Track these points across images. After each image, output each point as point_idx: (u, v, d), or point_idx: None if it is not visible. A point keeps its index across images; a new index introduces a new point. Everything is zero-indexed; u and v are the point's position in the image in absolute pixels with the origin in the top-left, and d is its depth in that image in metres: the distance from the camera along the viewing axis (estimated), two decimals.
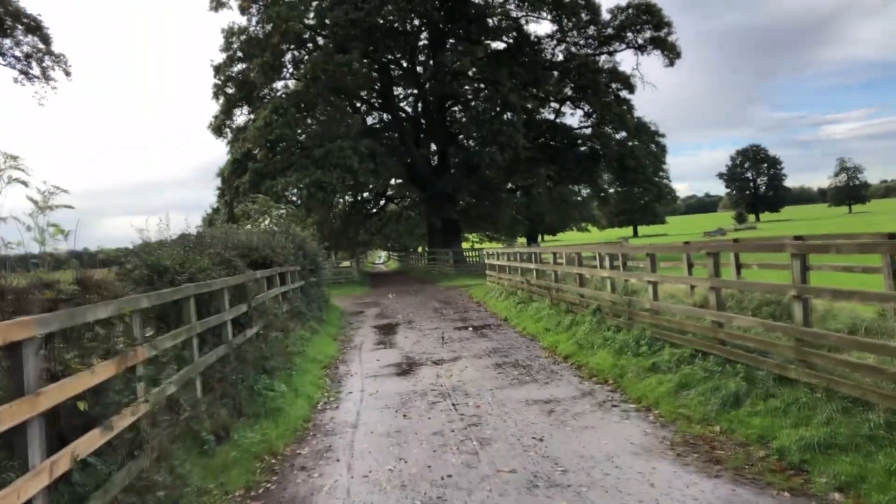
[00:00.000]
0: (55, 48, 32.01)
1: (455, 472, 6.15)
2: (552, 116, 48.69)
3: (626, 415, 7.79)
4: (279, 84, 42.21)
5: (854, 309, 9.07)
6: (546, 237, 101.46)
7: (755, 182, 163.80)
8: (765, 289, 8.92)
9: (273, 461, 6.89)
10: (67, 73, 32.02)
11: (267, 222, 19.86)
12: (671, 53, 44.20)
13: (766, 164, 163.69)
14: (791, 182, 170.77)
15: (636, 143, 46.24)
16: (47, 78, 31.89)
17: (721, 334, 8.39)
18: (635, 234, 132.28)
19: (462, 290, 27.25)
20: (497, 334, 14.88)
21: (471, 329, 15.96)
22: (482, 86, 43.76)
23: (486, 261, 25.33)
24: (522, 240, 74.56)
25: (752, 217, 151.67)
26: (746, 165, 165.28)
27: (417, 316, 19.62)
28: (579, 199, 61.70)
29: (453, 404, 8.78)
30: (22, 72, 31.29)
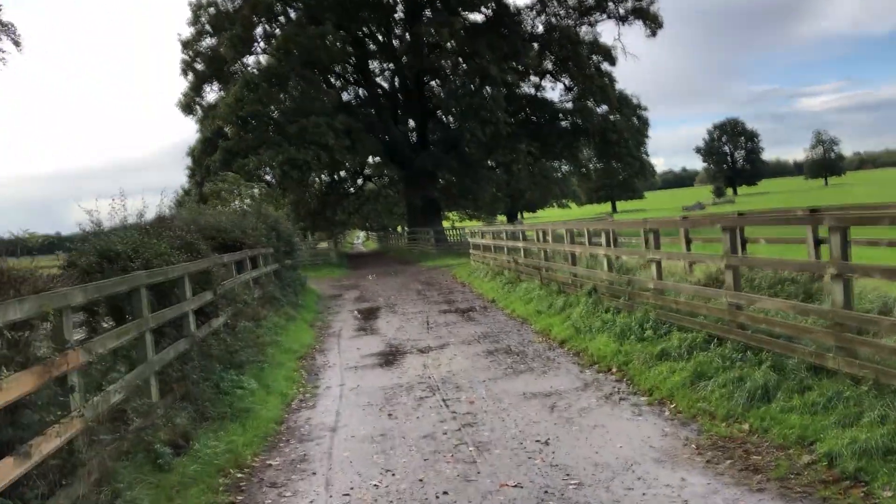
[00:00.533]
0: (3, 16, 30.02)
1: (452, 488, 5.27)
2: (532, 91, 47.57)
3: (637, 410, 6.96)
4: (251, 60, 40.72)
5: (878, 287, 8.30)
6: (526, 214, 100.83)
7: (732, 156, 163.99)
8: (795, 267, 8.10)
9: (239, 475, 5.95)
10: (17, 44, 30.14)
11: (237, 202, 18.76)
12: (653, 24, 43.17)
13: (743, 138, 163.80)
14: (767, 155, 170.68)
15: (618, 116, 45.33)
16: None
17: (741, 317, 7.56)
18: (614, 209, 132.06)
19: (445, 271, 26.35)
20: (485, 318, 14.02)
21: (457, 312, 15.08)
22: (461, 60, 42.59)
23: (470, 240, 24.45)
24: (502, 217, 73.77)
25: (729, 191, 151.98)
26: (724, 139, 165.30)
27: (400, 299, 18.69)
28: (559, 175, 60.91)
29: (444, 400, 7.90)
30: None
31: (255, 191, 20.45)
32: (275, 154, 32.41)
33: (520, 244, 17.18)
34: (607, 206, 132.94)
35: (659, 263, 9.74)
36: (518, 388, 8.14)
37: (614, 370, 8.56)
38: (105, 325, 7.53)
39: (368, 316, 15.86)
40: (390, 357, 10.80)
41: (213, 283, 9.48)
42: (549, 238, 15.39)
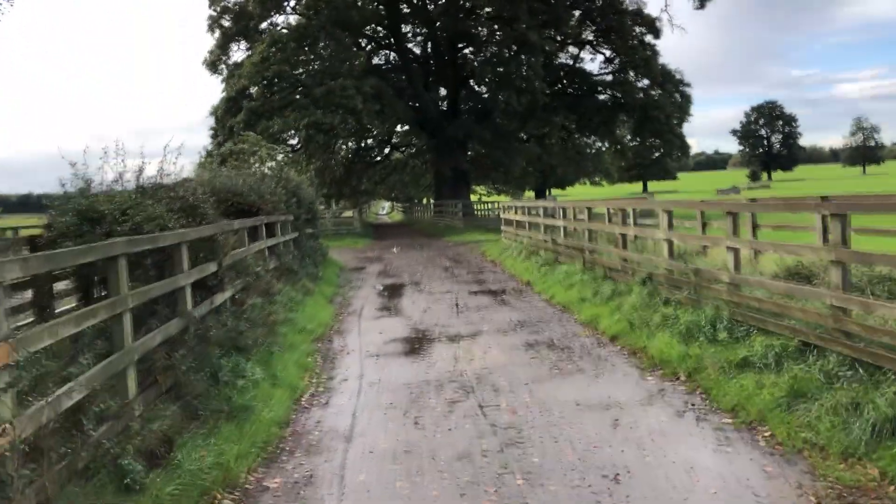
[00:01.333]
0: None
1: None
2: (570, 61, 45.75)
3: (723, 435, 5.62)
4: (280, 19, 39.33)
5: None
6: (555, 191, 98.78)
7: (769, 140, 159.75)
8: None
9: (227, 502, 4.73)
10: None
11: (258, 165, 17.51)
12: None
13: (781, 122, 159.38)
14: (802, 141, 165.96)
15: (660, 92, 43.39)
16: None
17: (849, 325, 6.16)
18: (645, 189, 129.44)
19: (473, 247, 25.01)
20: (521, 302, 12.69)
21: (489, 294, 13.77)
22: (496, 27, 40.79)
23: (502, 215, 23.05)
24: (530, 193, 72.06)
25: (764, 175, 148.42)
26: (761, 122, 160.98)
27: (426, 275, 17.42)
28: (592, 151, 58.93)
29: (480, 406, 6.62)
30: None
31: (279, 155, 19.10)
32: (300, 116, 31.12)
33: (559, 222, 15.77)
34: (638, 186, 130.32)
35: (737, 252, 8.32)
36: (568, 396, 6.83)
37: (683, 377, 7.21)
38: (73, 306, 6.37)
39: (392, 293, 14.62)
40: (416, 344, 9.53)
41: (218, 253, 8.23)
42: (593, 217, 13.97)
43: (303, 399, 7.18)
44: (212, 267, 8.02)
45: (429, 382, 7.54)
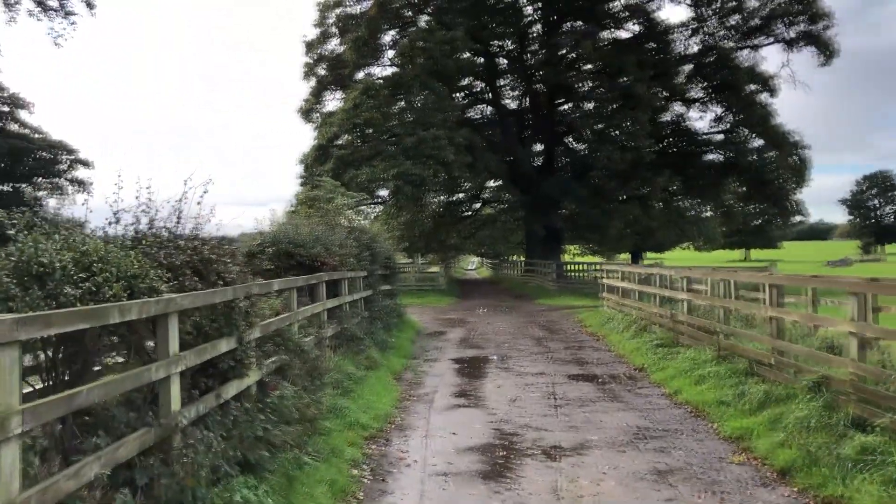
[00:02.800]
0: None
1: None
2: (676, 119, 42.85)
3: None
4: (376, 70, 38.47)
5: None
6: (650, 254, 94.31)
7: (879, 211, 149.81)
8: None
9: None
10: (90, 6, 28.52)
11: (332, 213, 15.57)
12: (826, 50, 37.74)
13: (894, 193, 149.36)
14: None
15: (776, 153, 39.83)
16: (67, 12, 28.63)
17: None
18: (747, 257, 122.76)
19: (568, 314, 22.29)
20: (636, 397, 9.96)
21: (593, 382, 11.09)
22: (597, 83, 38.55)
23: (604, 280, 20.32)
24: (625, 256, 68.50)
25: (878, 248, 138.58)
26: (873, 192, 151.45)
27: (514, 348, 14.88)
28: (693, 213, 55.05)
29: None
30: (37, 2, 28.10)
31: (354, 201, 17.18)
32: (389, 166, 29.54)
33: (681, 295, 12.99)
34: (737, 254, 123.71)
35: None
36: None
37: None
38: None
39: (473, 371, 12.14)
40: (500, 459, 7.00)
41: (237, 324, 6.05)
42: (730, 292, 11.18)
43: None
44: (225, 344, 5.83)
45: None
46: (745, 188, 42.97)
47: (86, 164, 72.11)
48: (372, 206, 44.75)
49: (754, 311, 10.17)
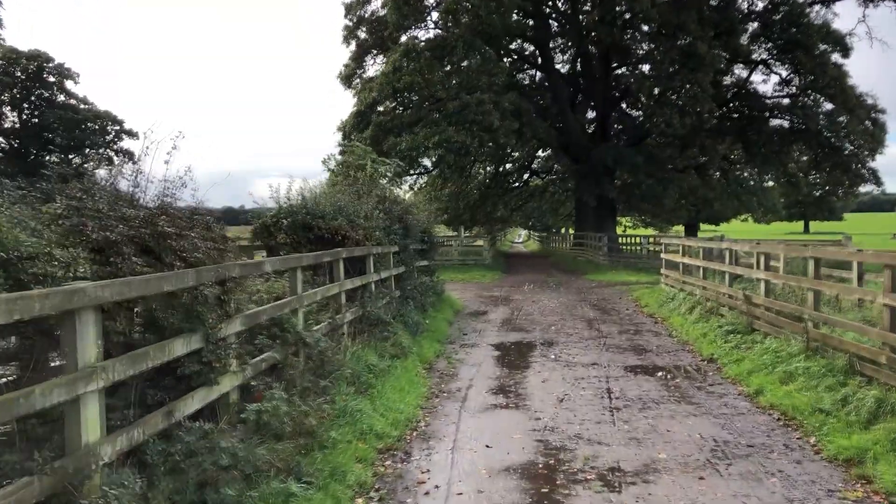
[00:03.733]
0: None
1: None
2: (738, 82, 40.07)
3: None
4: (420, 34, 36.68)
5: None
6: (705, 227, 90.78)
7: None
8: None
9: None
10: None
11: (362, 181, 14.16)
12: None
13: None
14: None
15: (848, 118, 36.90)
16: None
17: None
18: (806, 229, 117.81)
19: (622, 291, 20.58)
20: (709, 397, 8.35)
21: (655, 375, 9.50)
22: (655, 45, 36.06)
23: (664, 255, 18.50)
24: (679, 228, 65.82)
25: None
26: None
27: (563, 331, 13.33)
28: (753, 183, 51.94)
29: None
30: None
31: (390, 169, 15.68)
32: (430, 133, 27.96)
33: (757, 274, 11.22)
34: (796, 226, 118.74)
35: None
36: None
37: None
38: None
39: (515, 360, 10.66)
40: (545, 488, 5.53)
41: (201, 318, 4.68)
42: (809, 270, 9.41)
43: None
44: (182, 345, 4.47)
45: None
46: (812, 155, 40.09)
47: (132, 134, 72.42)
48: (414, 176, 43.44)
49: (857, 295, 8.41)
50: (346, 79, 37.11)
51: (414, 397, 8.09)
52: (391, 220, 12.72)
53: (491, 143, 29.12)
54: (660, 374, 9.60)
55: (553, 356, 10.85)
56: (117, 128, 70.94)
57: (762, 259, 10.96)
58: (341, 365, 7.37)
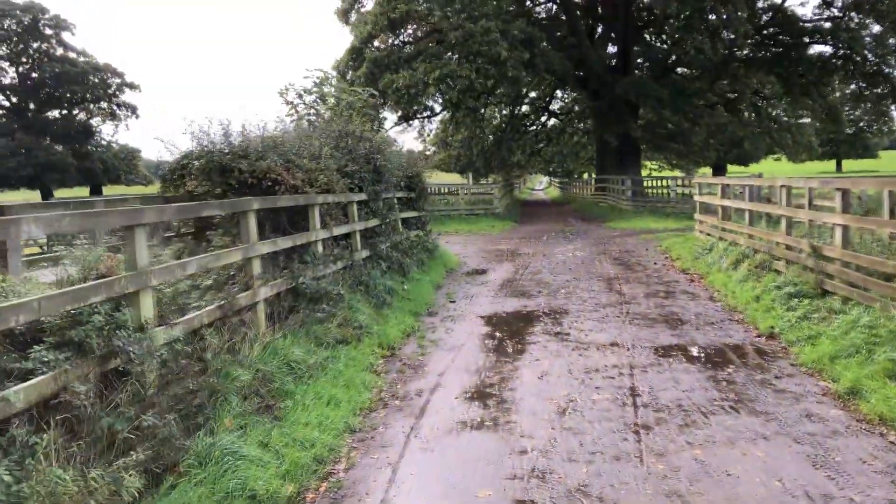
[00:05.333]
0: None
1: None
2: (774, 5, 36.24)
3: None
4: None
5: None
6: (733, 167, 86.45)
7: None
8: None
9: None
10: None
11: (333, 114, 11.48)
12: None
13: None
14: None
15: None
16: None
17: None
18: (839, 168, 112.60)
19: (648, 241, 17.79)
20: (781, 400, 5.69)
21: (699, 364, 6.85)
22: None
23: (697, 197, 15.67)
24: (706, 170, 62.15)
25: None
26: None
27: (575, 295, 10.69)
28: (786, 119, 47.95)
29: None
30: None
31: (358, 97, 12.89)
32: (431, 68, 24.95)
33: (831, 218, 8.42)
34: (828, 165, 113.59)
35: None
36: None
37: None
38: None
39: (508, 341, 8.06)
40: None
41: None
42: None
43: None
44: None
45: None
46: (856, 85, 36.46)
47: (133, 87, 69.78)
48: (422, 121, 40.46)
49: None
50: (343, 14, 33.89)
51: (347, 411, 5.55)
52: (356, 162, 10.05)
53: (496, 76, 25.95)
54: (704, 359, 6.97)
55: (558, 333, 8.24)
56: (118, 80, 68.44)
57: (839, 197, 8.14)
58: (211, 387, 4.80)
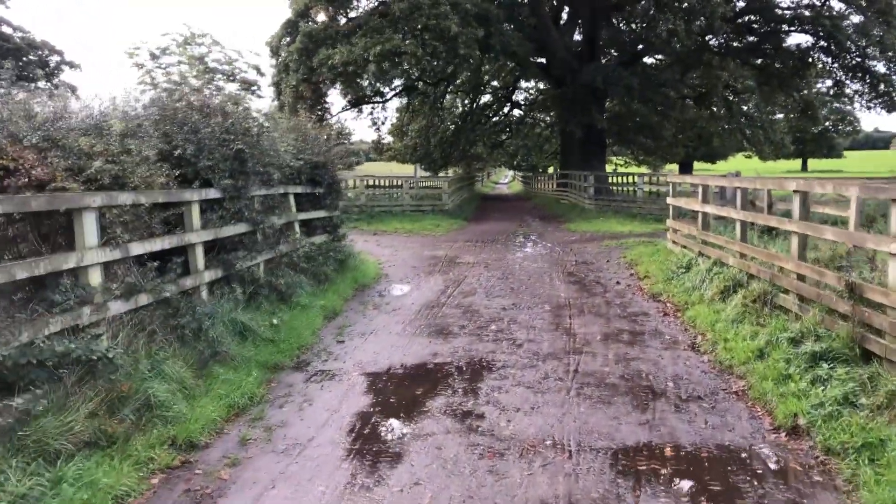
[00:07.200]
0: None
1: None
2: None
3: None
4: None
5: None
6: (699, 164, 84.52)
7: None
8: None
9: None
10: None
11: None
12: None
13: None
14: None
15: (882, 32, 30.96)
16: None
17: None
18: (804, 167, 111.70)
19: (611, 249, 15.01)
20: None
21: (683, 484, 4.01)
22: None
23: (670, 200, 12.91)
24: (673, 167, 59.93)
25: None
26: None
27: (508, 334, 7.80)
28: (757, 114, 45.64)
29: None
30: None
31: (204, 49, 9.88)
32: (371, 43, 21.87)
33: (889, 246, 5.66)
34: (792, 164, 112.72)
35: None
36: None
37: None
38: None
39: (386, 433, 5.12)
40: None
41: None
42: None
43: None
44: None
45: None
46: (837, 77, 34.26)
47: (73, 66, 65.34)
48: (374, 107, 37.36)
49: None
50: None
51: None
52: (196, 145, 7.04)
53: (448, 57, 23.00)
54: (695, 489, 4.13)
55: (467, 414, 5.36)
56: (58, 58, 64.04)
57: (893, 210, 5.37)
58: None
